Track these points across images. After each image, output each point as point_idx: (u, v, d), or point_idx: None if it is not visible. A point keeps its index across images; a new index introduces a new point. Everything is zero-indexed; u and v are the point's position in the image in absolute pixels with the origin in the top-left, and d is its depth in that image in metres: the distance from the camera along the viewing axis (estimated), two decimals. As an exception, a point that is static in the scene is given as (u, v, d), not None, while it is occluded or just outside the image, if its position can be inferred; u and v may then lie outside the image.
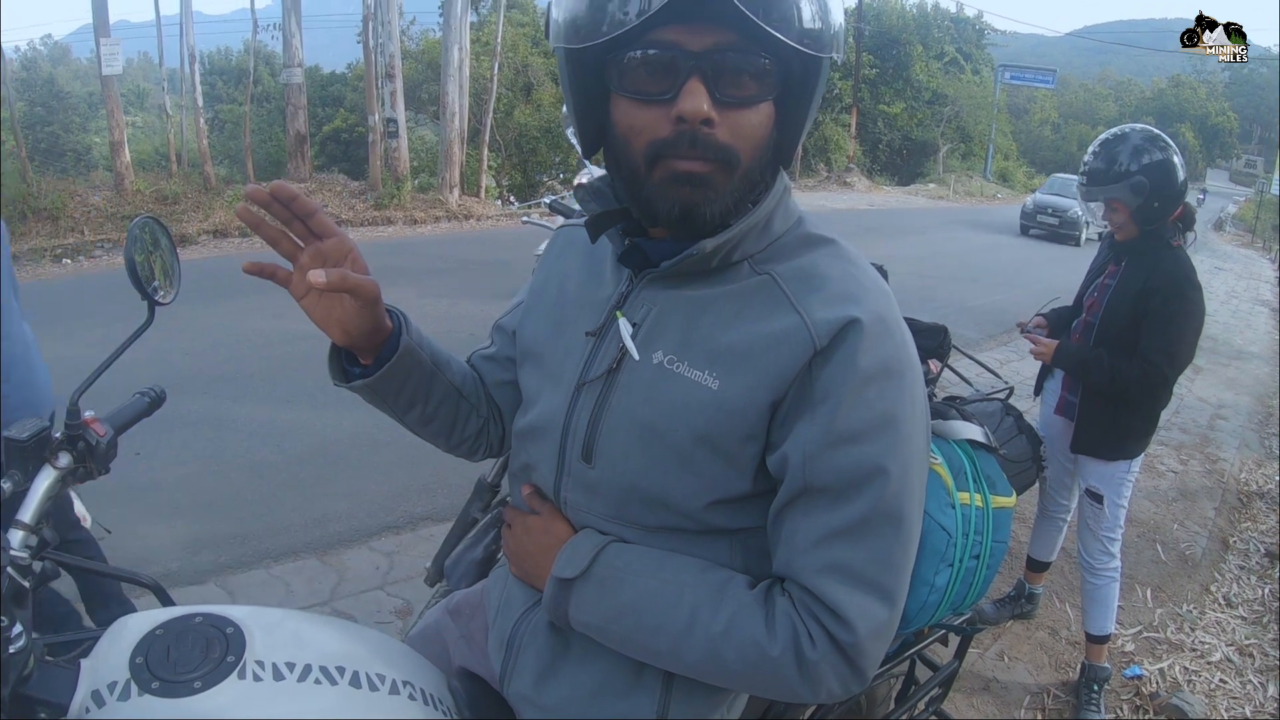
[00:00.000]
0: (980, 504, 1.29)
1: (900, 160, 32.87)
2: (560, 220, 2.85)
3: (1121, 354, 2.68)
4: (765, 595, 0.96)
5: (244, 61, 20.78)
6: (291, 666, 0.92)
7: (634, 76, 0.91)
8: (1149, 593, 3.80)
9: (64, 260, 9.84)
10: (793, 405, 0.94)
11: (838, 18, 0.92)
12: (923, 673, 1.84)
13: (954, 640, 1.74)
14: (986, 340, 8.21)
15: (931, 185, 29.75)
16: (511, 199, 12.71)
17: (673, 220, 0.95)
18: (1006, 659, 3.21)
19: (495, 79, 15.67)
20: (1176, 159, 2.65)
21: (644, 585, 0.98)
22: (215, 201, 12.33)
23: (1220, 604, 3.85)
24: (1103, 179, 2.66)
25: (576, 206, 3.24)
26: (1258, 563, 4.31)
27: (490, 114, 15.54)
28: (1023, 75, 41.44)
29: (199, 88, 14.14)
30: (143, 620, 0.93)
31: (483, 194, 15.30)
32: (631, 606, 0.98)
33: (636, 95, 0.92)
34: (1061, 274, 12.17)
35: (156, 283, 1.19)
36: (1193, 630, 3.56)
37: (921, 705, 1.75)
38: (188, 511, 3.71)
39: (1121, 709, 3.01)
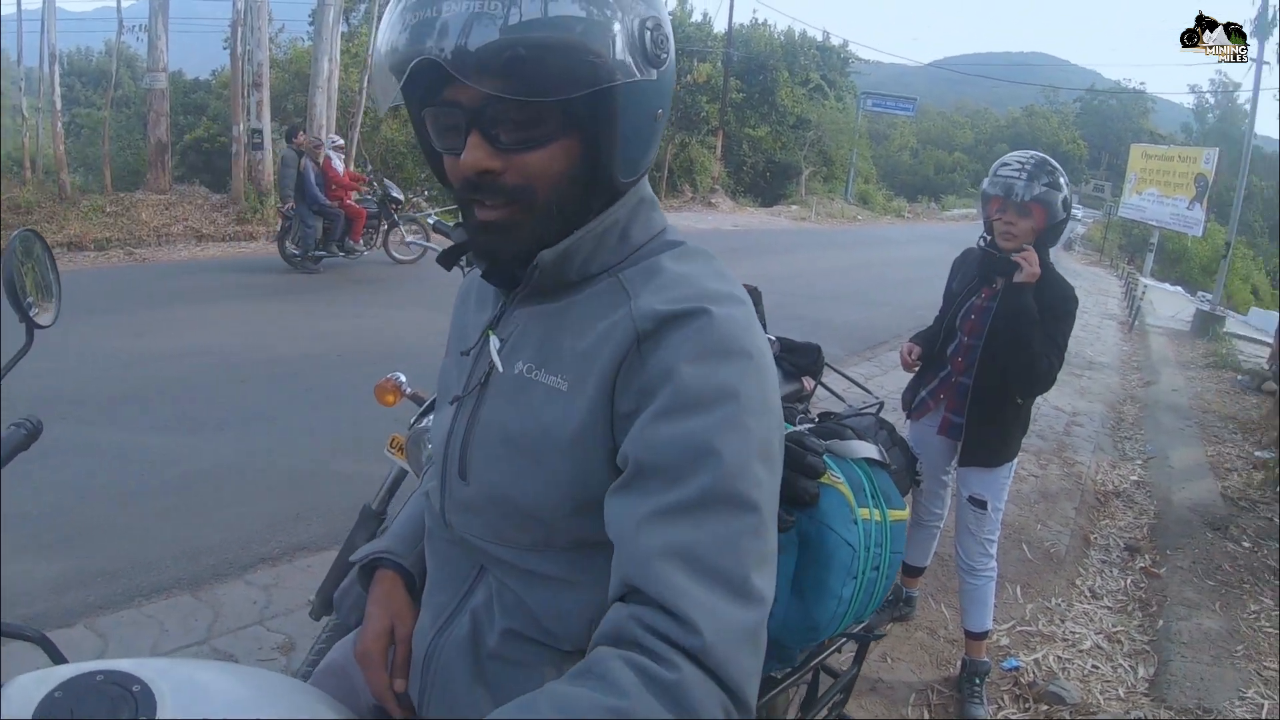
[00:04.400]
0: (879, 518, 1.35)
1: (764, 182, 33.62)
2: (440, 240, 2.82)
3: (1009, 372, 2.81)
4: (590, 654, 0.83)
5: (105, 63, 19.72)
6: None
7: (435, 132, 0.97)
8: (1019, 589, 3.99)
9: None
10: (627, 394, 0.92)
11: (623, 37, 0.90)
12: (824, 679, 1.88)
13: (851, 646, 1.80)
14: (851, 357, 8.45)
15: (794, 207, 30.49)
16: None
17: (484, 259, 1.04)
18: (890, 660, 3.31)
19: (364, 92, 15.33)
20: (1064, 180, 2.81)
21: None
22: (70, 212, 11.69)
23: (1086, 596, 4.07)
24: (1032, 187, 2.74)
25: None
26: (1118, 556, 4.59)
27: (358, 128, 15.21)
28: (884, 103, 43.21)
29: (58, 89, 13.35)
30: (38, 681, 0.84)
31: (347, 210, 14.90)
32: None
33: (441, 149, 0.98)
34: (920, 293, 12.81)
35: (31, 299, 1.10)
36: (1063, 622, 3.75)
37: (824, 712, 1.79)
38: (53, 546, 3.48)
39: (1003, 700, 3.15)
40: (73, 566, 3.34)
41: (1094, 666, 3.42)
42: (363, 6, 20.55)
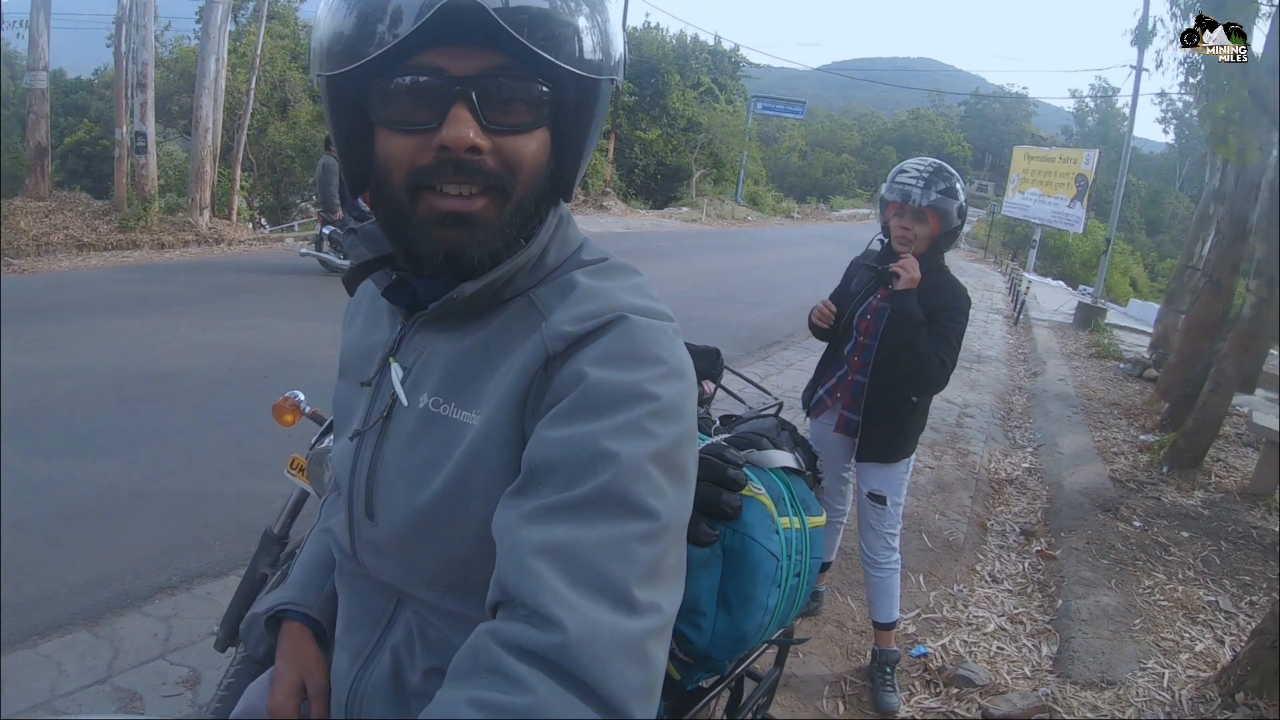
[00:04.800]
0: (799, 526, 1.37)
1: (655, 185, 33.93)
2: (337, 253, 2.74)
3: (900, 373, 2.90)
4: (436, 697, 0.75)
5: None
6: None
7: (398, 104, 0.85)
8: (921, 578, 4.11)
9: None
10: (536, 415, 0.87)
11: (618, 41, 0.90)
12: (748, 683, 1.90)
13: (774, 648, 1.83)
14: (746, 357, 8.56)
15: (685, 209, 30.81)
16: (263, 221, 12.01)
17: (437, 265, 0.90)
18: (802, 655, 3.36)
19: (252, 93, 14.84)
20: (960, 185, 2.91)
21: None
22: (-56, 221, 10.91)
23: (987, 581, 4.22)
24: (928, 193, 2.83)
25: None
26: (1015, 541, 4.78)
27: (244, 130, 14.70)
28: (774, 106, 44.04)
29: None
30: None
31: (235, 216, 14.32)
32: None
33: (400, 125, 0.86)
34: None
35: None
36: (966, 607, 3.89)
37: (749, 714, 1.82)
38: (-64, 587, 3.22)
39: (914, 686, 3.24)
40: (-44, 605, 3.11)
41: (999, 648, 3.54)
42: (250, 5, 19.86)
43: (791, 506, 1.39)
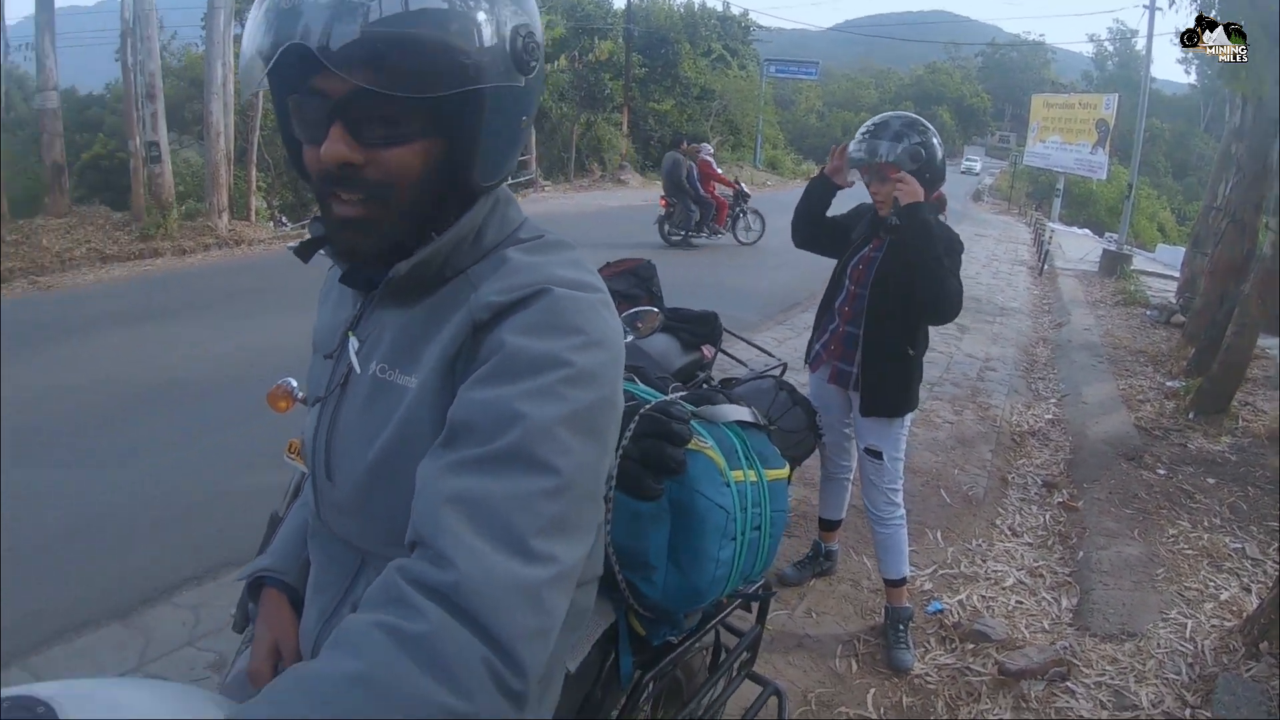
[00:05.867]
0: (755, 479, 1.39)
1: (672, 155, 33.85)
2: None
3: (891, 324, 2.91)
4: (342, 623, 0.82)
5: (-7, 86, 18.79)
6: None
7: (297, 120, 0.96)
8: (939, 534, 4.10)
9: None
10: (460, 382, 0.94)
11: (494, 41, 0.92)
12: (730, 641, 1.92)
13: (756, 606, 1.85)
14: (765, 321, 8.53)
15: (703, 178, 30.66)
16: (284, 220, 12.19)
17: (343, 257, 1.03)
18: (814, 615, 3.38)
19: (261, 95, 14.91)
20: (936, 140, 2.89)
21: None
22: (-35, 243, 11.09)
23: (1006, 535, 4.19)
24: (882, 150, 2.82)
25: None
26: (1036, 493, 4.73)
27: (257, 131, 14.76)
28: (787, 68, 43.56)
29: (-53, 115, 12.75)
30: None
31: (253, 217, 14.45)
32: None
33: (303, 139, 0.96)
34: (751, 253, 13.43)
35: None
36: (984, 562, 3.86)
37: (735, 670, 1.84)
38: (-16, 594, 3.33)
39: (929, 643, 3.22)
40: (4, 611, 3.21)
41: (1018, 602, 3.52)
42: (253, 8, 19.89)
43: (745, 459, 1.40)
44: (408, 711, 0.71)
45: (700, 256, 12.92)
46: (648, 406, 1.36)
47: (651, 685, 1.47)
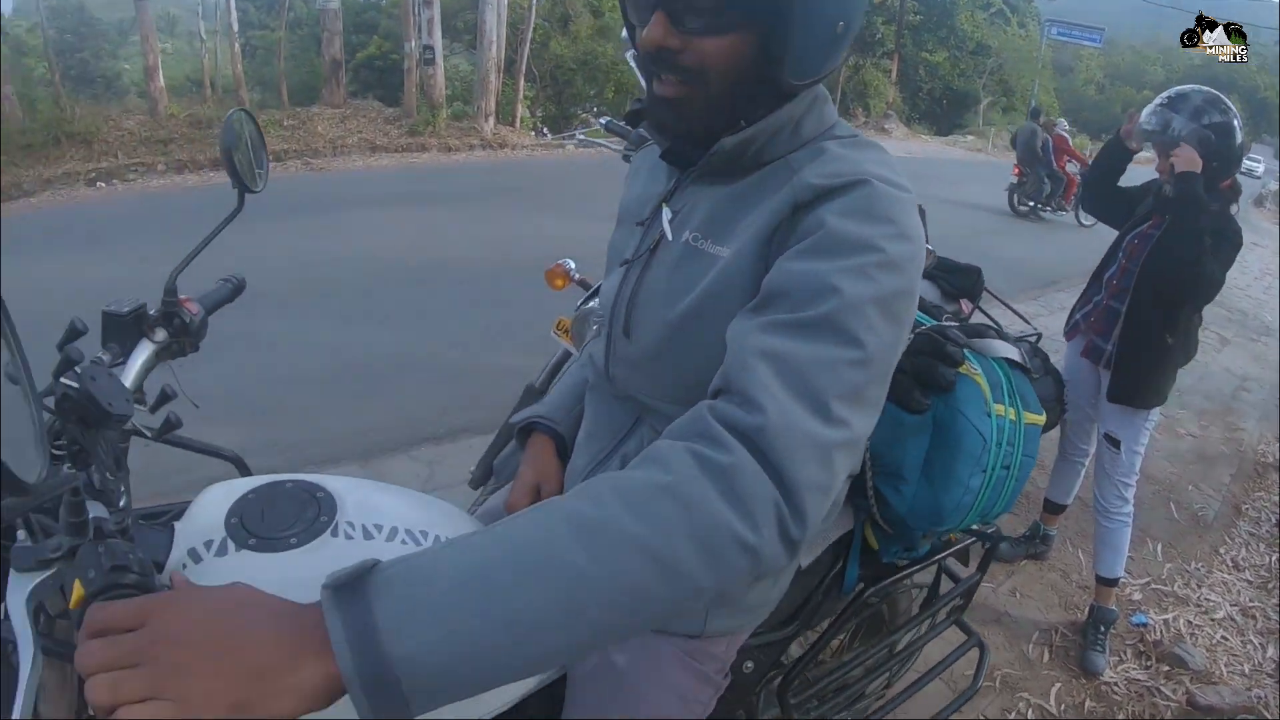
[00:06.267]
0: (1014, 417, 1.39)
1: (940, 110, 32.28)
2: (615, 140, 2.92)
3: (1158, 305, 2.77)
4: (654, 445, 0.88)
5: (276, -12, 20.60)
6: (379, 528, 0.96)
7: (630, 9, 1.06)
8: (1159, 548, 3.89)
9: (98, 184, 9.96)
10: (777, 254, 0.99)
11: None
12: (946, 584, 1.93)
13: (976, 560, 1.85)
14: (1017, 293, 8.06)
15: (970, 137, 29.15)
16: (545, 130, 12.79)
17: (658, 131, 1.13)
18: (1019, 595, 3.33)
19: (533, 9, 15.52)
20: (1237, 123, 2.69)
21: (476, 542, 0.76)
22: (249, 126, 12.39)
23: (1228, 566, 3.91)
24: (1175, 125, 2.67)
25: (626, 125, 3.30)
26: (1268, 531, 4.36)
27: (527, 44, 15.40)
28: (1069, 32, 39.95)
29: (234, 13, 14.14)
30: (233, 486, 0.97)
31: (518, 124, 15.26)
32: (480, 566, 0.72)
33: (634, 21, 1.06)
34: (1098, 237, 11.99)
35: (243, 168, 1.24)
36: (1199, 587, 3.64)
37: (944, 614, 1.85)
38: (236, 420, 3.79)
39: (1125, 653, 3.11)
40: (253, 437, 3.65)
41: (1223, 637, 3.32)
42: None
43: (1008, 396, 1.40)
44: (703, 529, 0.77)
45: (1041, 230, 12.95)
46: (926, 326, 1.39)
47: (853, 615, 1.53)
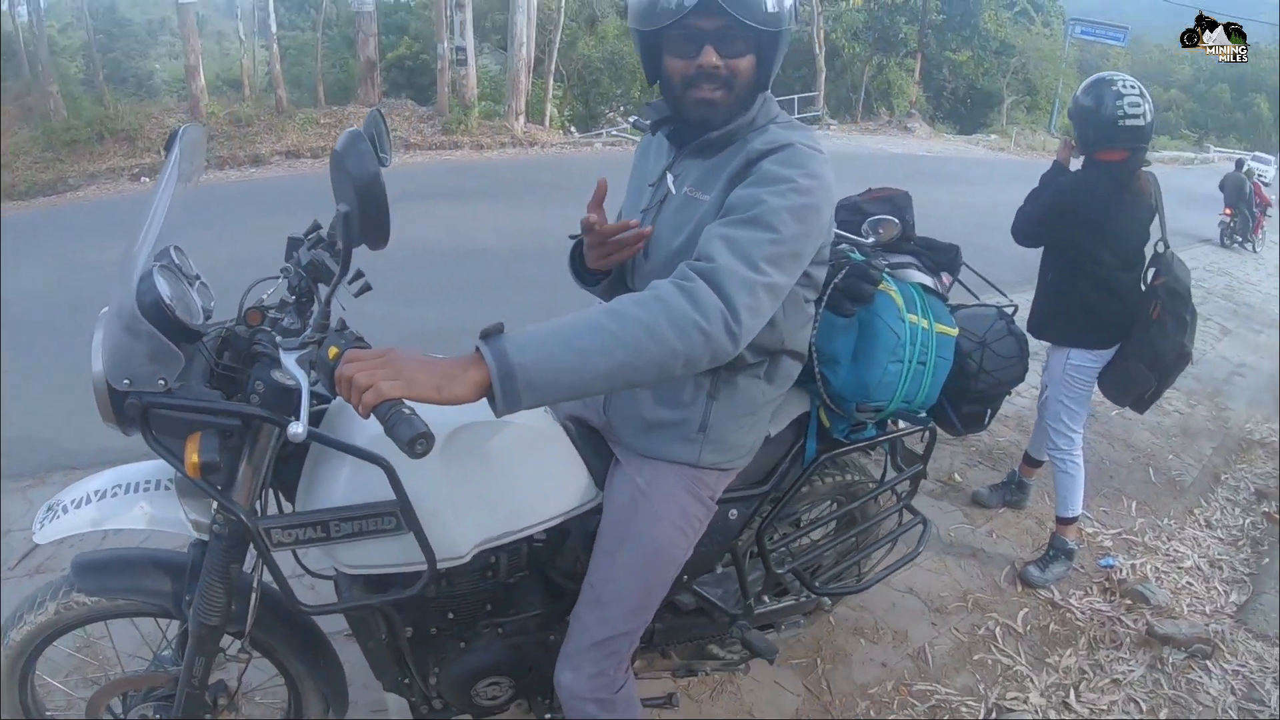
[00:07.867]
0: (925, 326, 1.91)
1: (963, 109, 32.66)
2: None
3: (1055, 255, 3.40)
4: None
5: (309, -11, 21.13)
6: None
7: (676, 45, 1.55)
8: (1134, 505, 4.17)
9: (142, 179, 10.48)
10: (735, 189, 1.52)
11: (790, 6, 1.52)
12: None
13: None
14: (1024, 283, 8.29)
15: (993, 136, 29.51)
16: (573, 129, 13.25)
17: (696, 125, 1.63)
18: (994, 536, 3.70)
19: (562, 10, 15.94)
20: (1110, 100, 3.21)
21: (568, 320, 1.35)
22: (287, 124, 12.93)
23: (1200, 524, 4.13)
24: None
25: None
26: (1245, 498, 4.55)
27: (556, 44, 15.83)
28: (1093, 31, 39.88)
29: (273, 14, 14.68)
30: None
31: (547, 122, 15.76)
32: (568, 325, 1.33)
33: (679, 55, 1.55)
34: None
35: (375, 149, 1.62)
36: (1169, 540, 3.89)
37: (896, 501, 2.39)
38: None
39: (1090, 589, 3.42)
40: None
41: (1188, 583, 3.56)
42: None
43: (921, 310, 1.91)
44: (677, 317, 1.33)
45: (1245, 261, 14.18)
46: (858, 260, 1.88)
47: (827, 472, 2.10)
